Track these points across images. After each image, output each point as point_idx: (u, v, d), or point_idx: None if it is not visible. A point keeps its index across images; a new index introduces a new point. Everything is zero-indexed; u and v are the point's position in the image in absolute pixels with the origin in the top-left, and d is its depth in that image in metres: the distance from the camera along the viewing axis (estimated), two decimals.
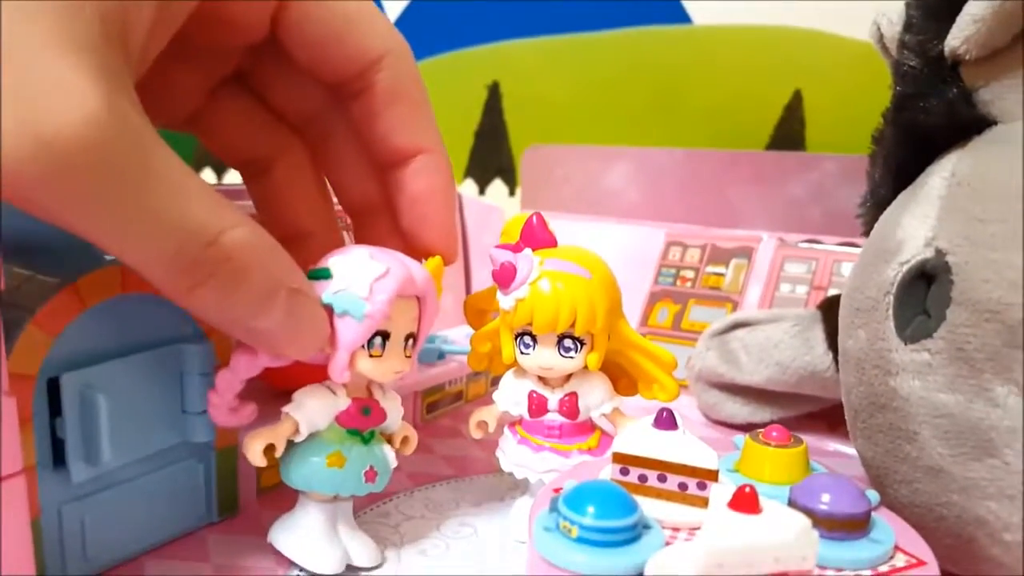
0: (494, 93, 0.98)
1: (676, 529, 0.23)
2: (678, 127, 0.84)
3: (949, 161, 0.28)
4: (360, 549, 0.28)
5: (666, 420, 0.24)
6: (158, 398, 0.28)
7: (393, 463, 0.29)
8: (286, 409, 0.27)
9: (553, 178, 0.64)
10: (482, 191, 0.98)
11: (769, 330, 0.42)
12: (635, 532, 0.21)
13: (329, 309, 0.25)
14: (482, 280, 0.59)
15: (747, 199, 0.56)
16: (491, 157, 1.00)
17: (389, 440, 0.29)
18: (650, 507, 0.23)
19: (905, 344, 0.26)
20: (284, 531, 0.28)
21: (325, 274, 0.26)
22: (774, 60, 0.79)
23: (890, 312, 0.27)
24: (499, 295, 0.29)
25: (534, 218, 0.29)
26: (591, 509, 0.21)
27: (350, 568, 0.28)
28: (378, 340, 0.26)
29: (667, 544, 0.22)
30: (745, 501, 0.20)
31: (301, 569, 0.28)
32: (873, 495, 0.24)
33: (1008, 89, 0.28)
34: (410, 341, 0.27)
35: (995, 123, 0.28)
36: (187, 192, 0.21)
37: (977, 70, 0.28)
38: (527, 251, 0.29)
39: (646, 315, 0.55)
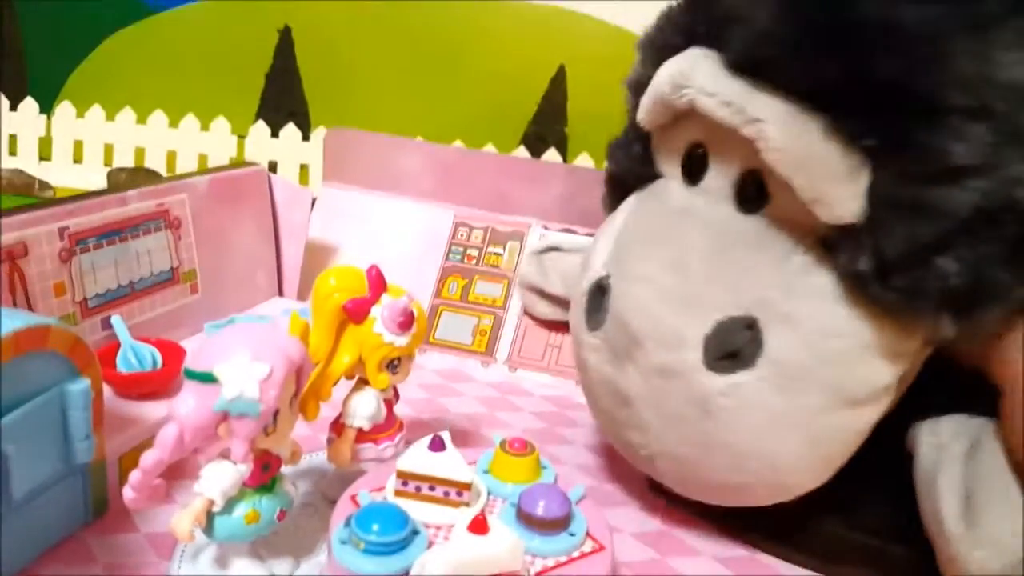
0: (286, 37, 0.98)
1: (439, 527, 0.31)
2: (456, 86, 0.92)
3: (629, 203, 0.39)
4: (278, 561, 0.33)
5: (437, 443, 0.32)
6: (51, 434, 0.32)
7: (295, 494, 0.33)
8: (198, 489, 0.30)
9: (353, 158, 0.69)
10: (275, 134, 0.99)
11: (572, 257, 0.56)
12: (406, 542, 0.29)
13: (225, 413, 0.28)
14: (291, 255, 0.64)
15: (520, 193, 0.66)
16: (284, 100, 1.01)
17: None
18: (422, 509, 0.31)
19: (589, 330, 0.38)
20: (210, 567, 0.32)
21: (210, 378, 0.28)
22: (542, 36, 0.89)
23: (583, 308, 0.39)
24: (392, 337, 0.36)
25: (373, 271, 0.37)
26: (375, 527, 0.28)
27: None
28: (271, 419, 0.30)
29: (430, 544, 0.29)
30: (478, 526, 0.27)
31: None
32: (577, 492, 0.33)
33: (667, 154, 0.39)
34: (295, 400, 0.32)
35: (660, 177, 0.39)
36: None
37: (657, 137, 0.39)
38: (404, 296, 0.37)
39: (439, 288, 0.64)
